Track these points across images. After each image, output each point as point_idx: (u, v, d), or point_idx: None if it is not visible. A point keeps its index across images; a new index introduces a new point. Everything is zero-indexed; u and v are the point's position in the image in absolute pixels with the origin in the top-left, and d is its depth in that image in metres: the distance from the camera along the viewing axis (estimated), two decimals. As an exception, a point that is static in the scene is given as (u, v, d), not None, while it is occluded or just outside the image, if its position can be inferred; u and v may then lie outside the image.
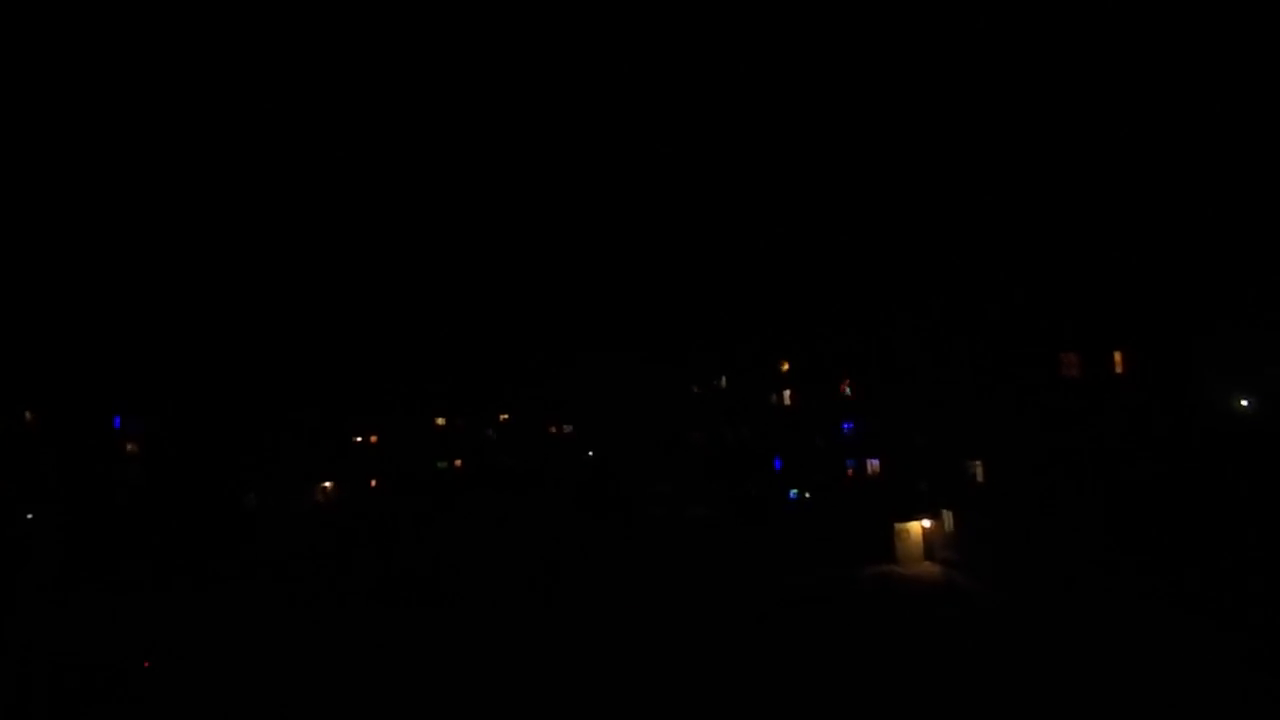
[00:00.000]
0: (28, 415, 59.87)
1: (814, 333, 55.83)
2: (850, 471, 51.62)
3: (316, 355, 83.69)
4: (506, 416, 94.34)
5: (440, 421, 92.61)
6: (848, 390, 52.22)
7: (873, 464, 49.81)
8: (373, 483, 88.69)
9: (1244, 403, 39.25)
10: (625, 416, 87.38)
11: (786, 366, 59.87)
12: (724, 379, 69.60)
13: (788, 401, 59.91)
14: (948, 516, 43.42)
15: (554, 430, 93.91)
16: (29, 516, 58.90)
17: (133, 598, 44.04)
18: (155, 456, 71.75)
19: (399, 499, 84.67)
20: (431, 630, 34.79)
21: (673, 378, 78.03)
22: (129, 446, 69.90)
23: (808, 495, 56.49)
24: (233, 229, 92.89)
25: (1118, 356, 40.76)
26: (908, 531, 45.03)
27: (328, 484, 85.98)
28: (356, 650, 32.31)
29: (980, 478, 41.32)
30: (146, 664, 13.12)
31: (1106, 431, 39.11)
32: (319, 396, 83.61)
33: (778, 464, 60.56)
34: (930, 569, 42.50)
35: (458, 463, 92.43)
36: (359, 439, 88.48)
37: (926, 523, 44.62)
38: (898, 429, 46.98)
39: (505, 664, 29.46)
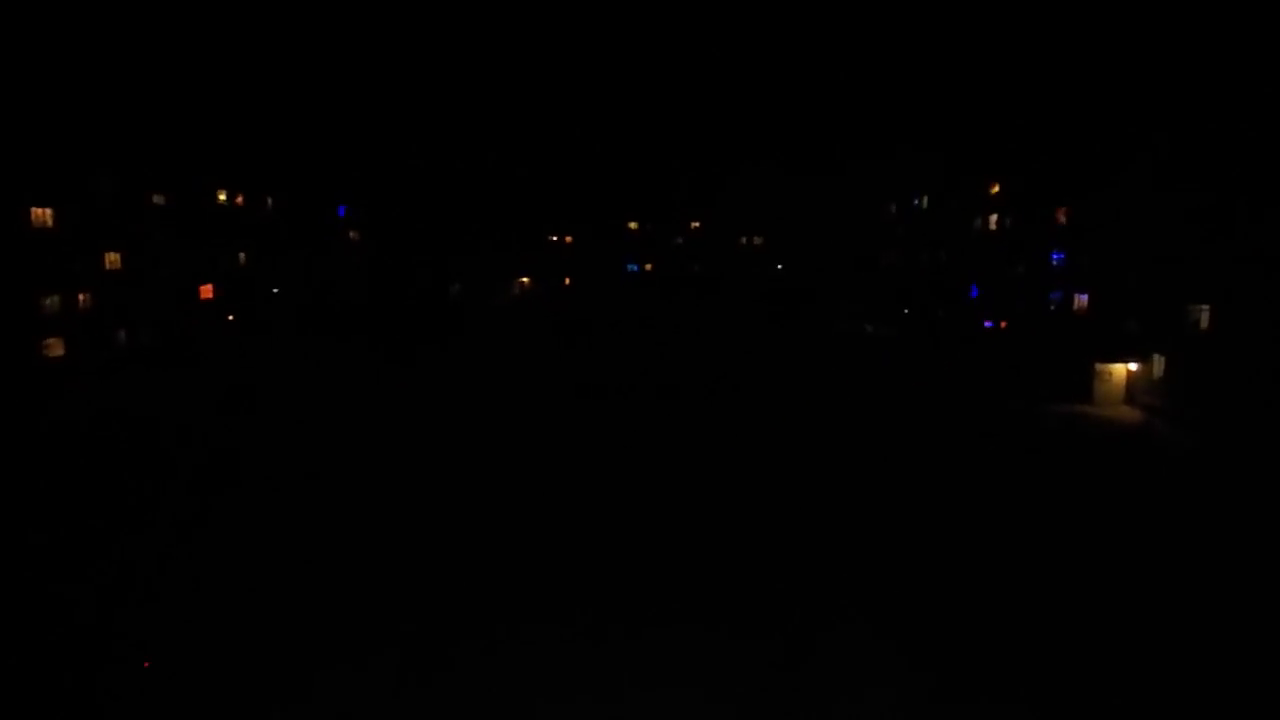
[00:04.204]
0: (269, 201, 66.43)
1: (1031, 153, 50.48)
2: (1053, 305, 48.08)
3: (518, 157, 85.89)
4: (698, 225, 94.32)
5: (633, 226, 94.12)
6: (1063, 218, 47.60)
7: (1080, 299, 46.01)
8: (566, 281, 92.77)
9: None
10: (818, 232, 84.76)
11: (996, 189, 55.06)
12: (925, 199, 65.20)
13: (993, 226, 55.62)
14: (1158, 361, 39.95)
15: (743, 241, 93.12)
16: (274, 290, 66.84)
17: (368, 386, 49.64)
18: (374, 244, 78.36)
19: (589, 297, 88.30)
20: (613, 416, 37.10)
21: (870, 195, 73.96)
22: (351, 234, 76.64)
23: (1003, 325, 53.50)
24: (443, 36, 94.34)
25: None
26: (1109, 373, 42.00)
27: (525, 279, 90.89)
28: (539, 437, 35.09)
29: (1205, 324, 37.30)
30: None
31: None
32: (520, 197, 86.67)
33: (974, 291, 57.32)
34: (1128, 413, 39.79)
35: (648, 266, 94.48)
36: (554, 238, 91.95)
37: (1133, 365, 41.33)
38: (1114, 264, 42.75)
39: (681, 450, 31.11)
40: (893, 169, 69.06)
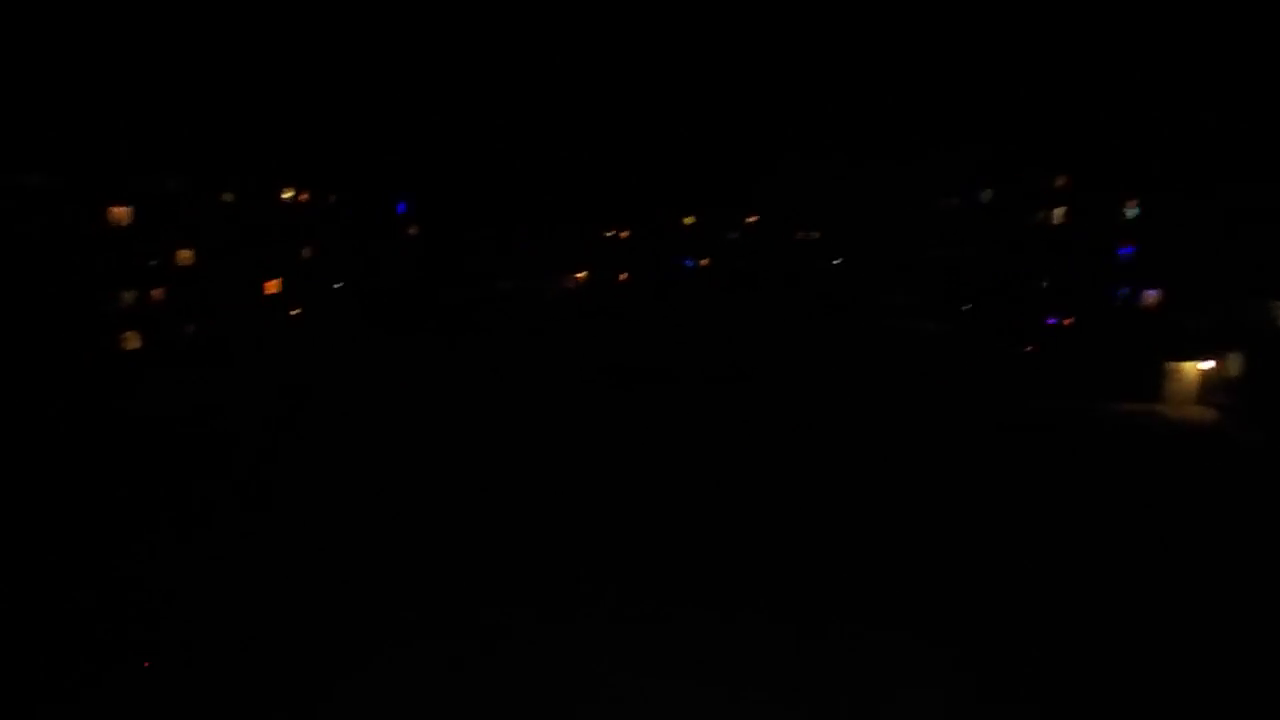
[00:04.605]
0: (331, 198, 67.99)
1: (1100, 142, 48.99)
2: (1121, 301, 46.65)
3: (574, 152, 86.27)
4: (754, 219, 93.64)
5: (687, 220, 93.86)
6: (1132, 211, 46.13)
7: (1150, 295, 44.56)
8: (621, 276, 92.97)
9: None
10: (874, 227, 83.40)
11: (1063, 181, 53.57)
12: (987, 192, 63.70)
13: (1058, 220, 54.14)
14: (1234, 360, 38.54)
15: (799, 235, 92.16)
16: (336, 285, 68.43)
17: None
18: (431, 239, 79.69)
19: (643, 291, 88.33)
20: (662, 406, 37.21)
21: (929, 189, 72.50)
22: (410, 230, 78.06)
23: (1067, 322, 52.10)
24: (500, 31, 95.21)
25: None
26: (1181, 371, 40.63)
27: (579, 274, 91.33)
28: (586, 424, 35.36)
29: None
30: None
31: None
32: (575, 192, 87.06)
33: (1035, 286, 55.88)
34: (1200, 413, 38.47)
35: (704, 261, 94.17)
36: (610, 233, 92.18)
37: (1207, 364, 39.93)
38: (1186, 258, 41.30)
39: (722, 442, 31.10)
40: (954, 161, 67.67)
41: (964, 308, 64.90)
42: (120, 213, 47.13)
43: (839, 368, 48.79)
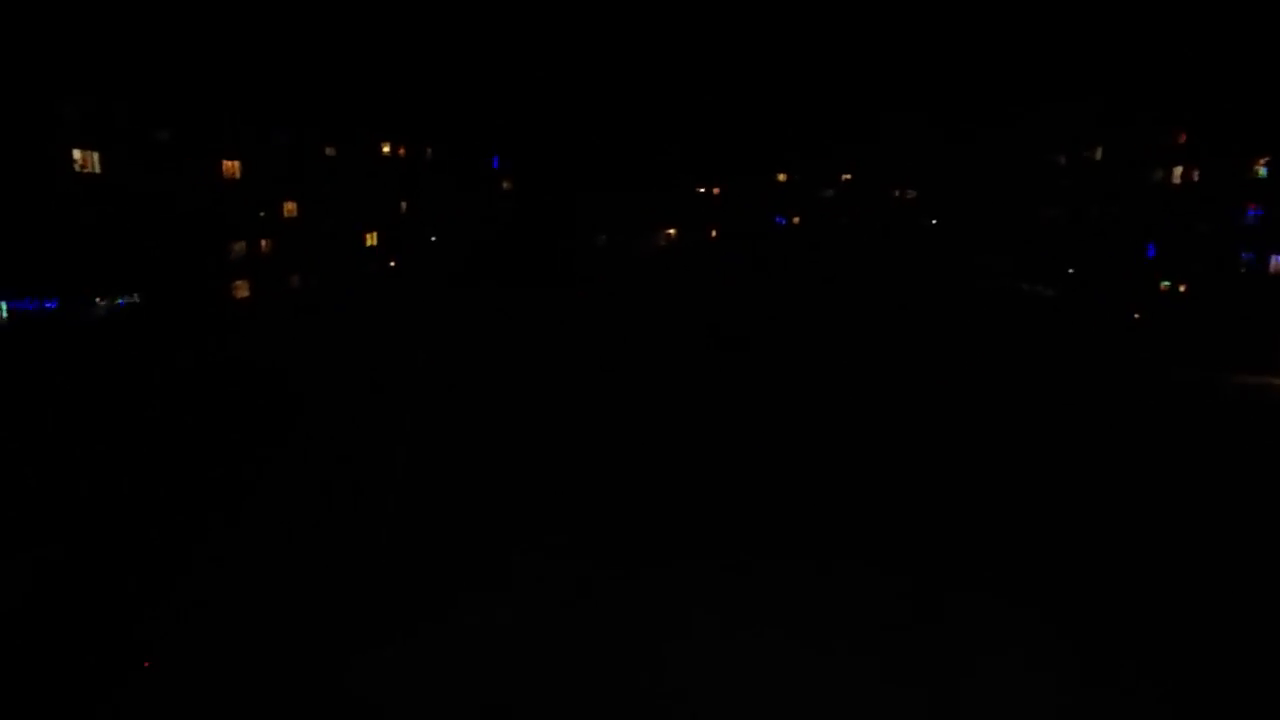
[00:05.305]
0: (428, 152, 69.36)
1: (1224, 96, 45.72)
2: (1244, 267, 43.94)
3: (668, 108, 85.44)
4: (849, 177, 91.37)
5: (781, 178, 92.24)
6: (1260, 169, 43.15)
7: (1278, 260, 41.82)
8: (712, 232, 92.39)
9: None
10: (974, 186, 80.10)
11: (1184, 137, 50.37)
12: (1098, 150, 60.32)
13: (1176, 179, 51.04)
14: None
15: (895, 194, 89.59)
16: (432, 239, 70.17)
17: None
18: (524, 193, 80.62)
19: (735, 248, 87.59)
20: (748, 369, 37.16)
21: (1034, 146, 69.03)
22: (505, 184, 79.08)
23: (1183, 288, 49.40)
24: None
25: None
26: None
27: (671, 230, 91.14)
28: (668, 385, 35.60)
29: None
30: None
31: None
32: (668, 148, 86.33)
33: (1150, 250, 53.01)
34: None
35: (795, 219, 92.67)
36: (702, 190, 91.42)
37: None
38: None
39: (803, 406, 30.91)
40: (1062, 116, 64.21)
41: (1069, 271, 62.19)
42: (231, 166, 49.27)
43: (936, 332, 47.59)
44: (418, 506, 22.27)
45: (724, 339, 45.43)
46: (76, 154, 40.05)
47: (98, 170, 41.03)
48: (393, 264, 65.39)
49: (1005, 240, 72.04)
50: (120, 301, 42.66)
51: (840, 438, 28.44)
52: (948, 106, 79.24)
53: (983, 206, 77.85)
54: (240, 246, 50.16)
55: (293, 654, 15.51)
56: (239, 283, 50.17)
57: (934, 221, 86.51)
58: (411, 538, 20.33)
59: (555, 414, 31.28)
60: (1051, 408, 32.21)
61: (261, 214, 51.66)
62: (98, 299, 41.41)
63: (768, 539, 20.41)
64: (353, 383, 35.18)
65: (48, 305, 38.78)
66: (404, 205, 66.51)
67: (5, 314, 37.62)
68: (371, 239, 63.11)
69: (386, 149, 64.67)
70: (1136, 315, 50.29)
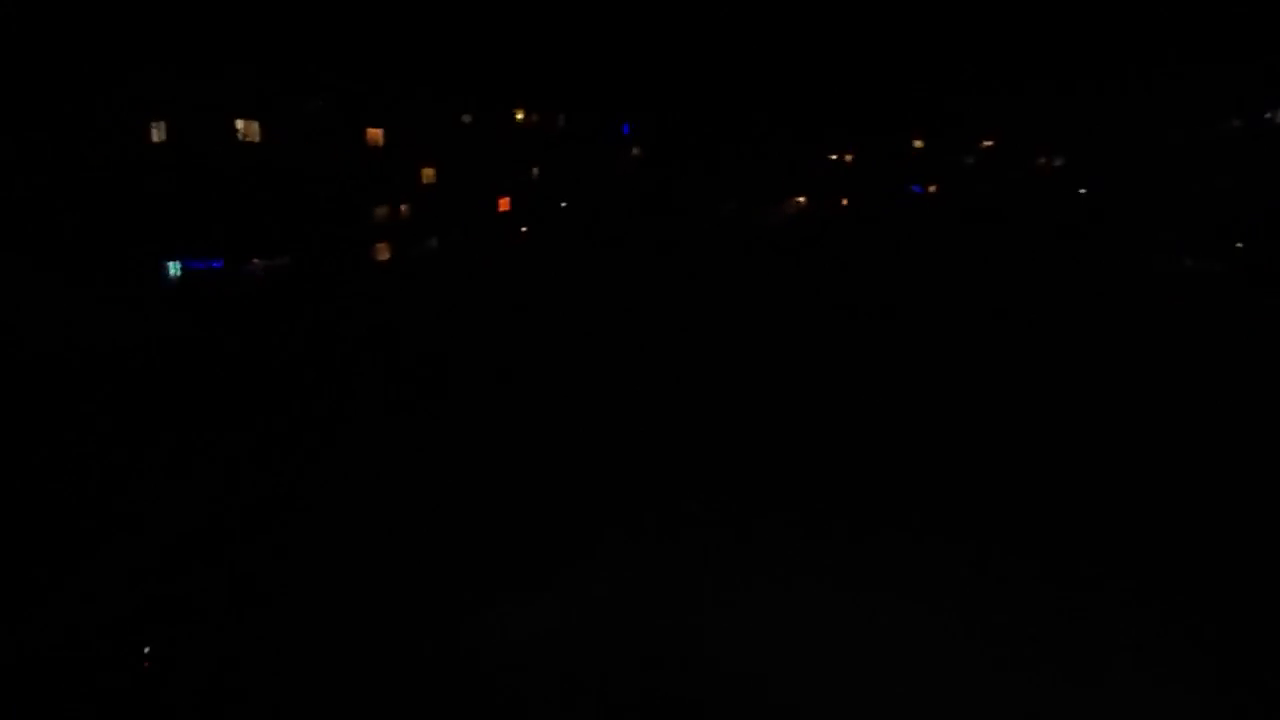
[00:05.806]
0: (560, 119, 70.54)
1: None
2: None
3: (798, 71, 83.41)
4: (990, 143, 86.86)
5: (918, 144, 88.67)
6: None
7: None
8: (843, 201, 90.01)
9: None
10: (1131, 153, 74.44)
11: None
12: (1276, 111, 54.99)
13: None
14: None
15: (1042, 162, 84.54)
16: (562, 204, 71.64)
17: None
18: (654, 161, 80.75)
19: (865, 218, 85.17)
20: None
21: (1201, 109, 63.49)
22: (634, 150, 79.46)
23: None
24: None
25: None
26: None
27: (800, 199, 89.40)
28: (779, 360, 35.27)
29: None
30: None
31: None
32: (797, 112, 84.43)
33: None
34: None
35: (931, 188, 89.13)
36: (834, 156, 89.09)
37: None
38: None
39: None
40: (1238, 76, 58.79)
41: (1237, 245, 57.38)
42: (375, 134, 51.76)
43: (1084, 310, 44.93)
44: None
45: (852, 309, 44.53)
46: (239, 124, 43.12)
47: (257, 139, 44.04)
48: (524, 229, 67.16)
49: (1168, 212, 66.84)
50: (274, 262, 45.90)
51: (968, 415, 27.60)
52: (1101, 62, 73.73)
53: (1141, 176, 72.35)
54: (382, 211, 52.80)
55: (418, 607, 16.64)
56: (380, 245, 52.86)
57: (1081, 191, 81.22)
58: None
59: (668, 381, 31.65)
60: (1218, 398, 29.64)
61: (401, 180, 54.16)
62: (255, 260, 44.65)
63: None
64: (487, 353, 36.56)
65: (214, 265, 42.19)
66: (535, 172, 68.04)
67: (180, 272, 41.36)
68: (504, 204, 64.97)
69: (520, 116, 66.19)
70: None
